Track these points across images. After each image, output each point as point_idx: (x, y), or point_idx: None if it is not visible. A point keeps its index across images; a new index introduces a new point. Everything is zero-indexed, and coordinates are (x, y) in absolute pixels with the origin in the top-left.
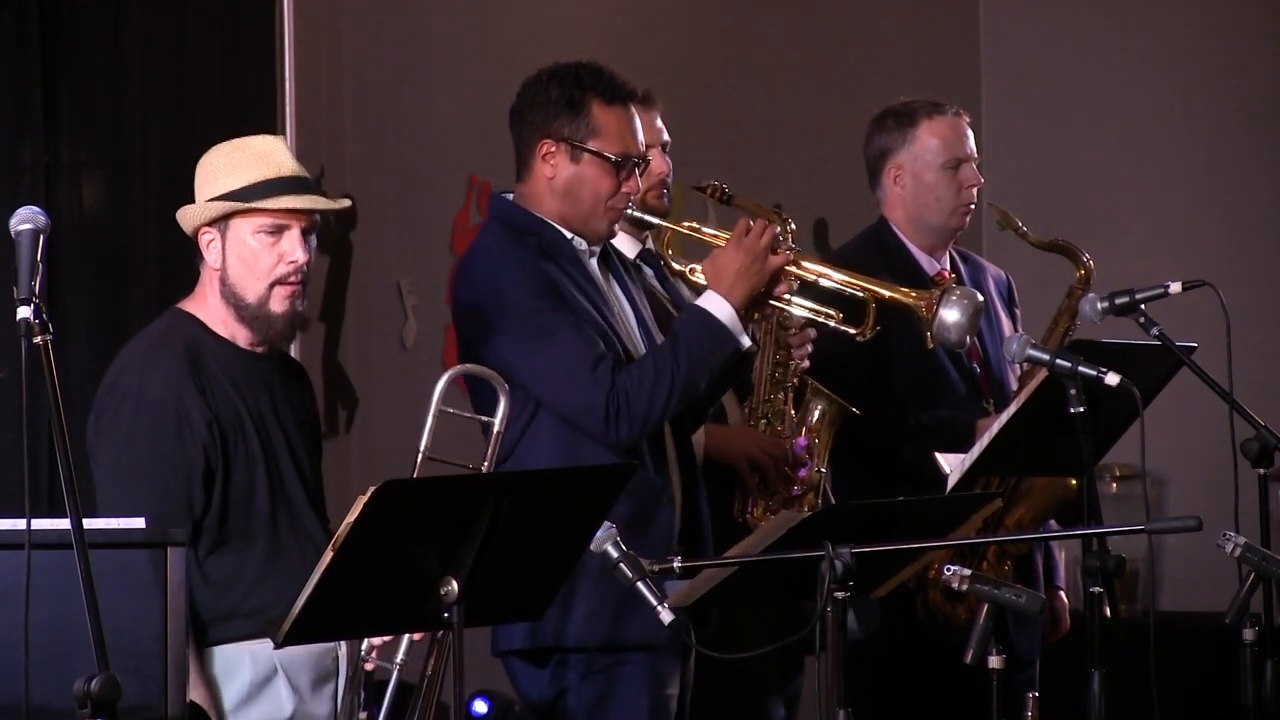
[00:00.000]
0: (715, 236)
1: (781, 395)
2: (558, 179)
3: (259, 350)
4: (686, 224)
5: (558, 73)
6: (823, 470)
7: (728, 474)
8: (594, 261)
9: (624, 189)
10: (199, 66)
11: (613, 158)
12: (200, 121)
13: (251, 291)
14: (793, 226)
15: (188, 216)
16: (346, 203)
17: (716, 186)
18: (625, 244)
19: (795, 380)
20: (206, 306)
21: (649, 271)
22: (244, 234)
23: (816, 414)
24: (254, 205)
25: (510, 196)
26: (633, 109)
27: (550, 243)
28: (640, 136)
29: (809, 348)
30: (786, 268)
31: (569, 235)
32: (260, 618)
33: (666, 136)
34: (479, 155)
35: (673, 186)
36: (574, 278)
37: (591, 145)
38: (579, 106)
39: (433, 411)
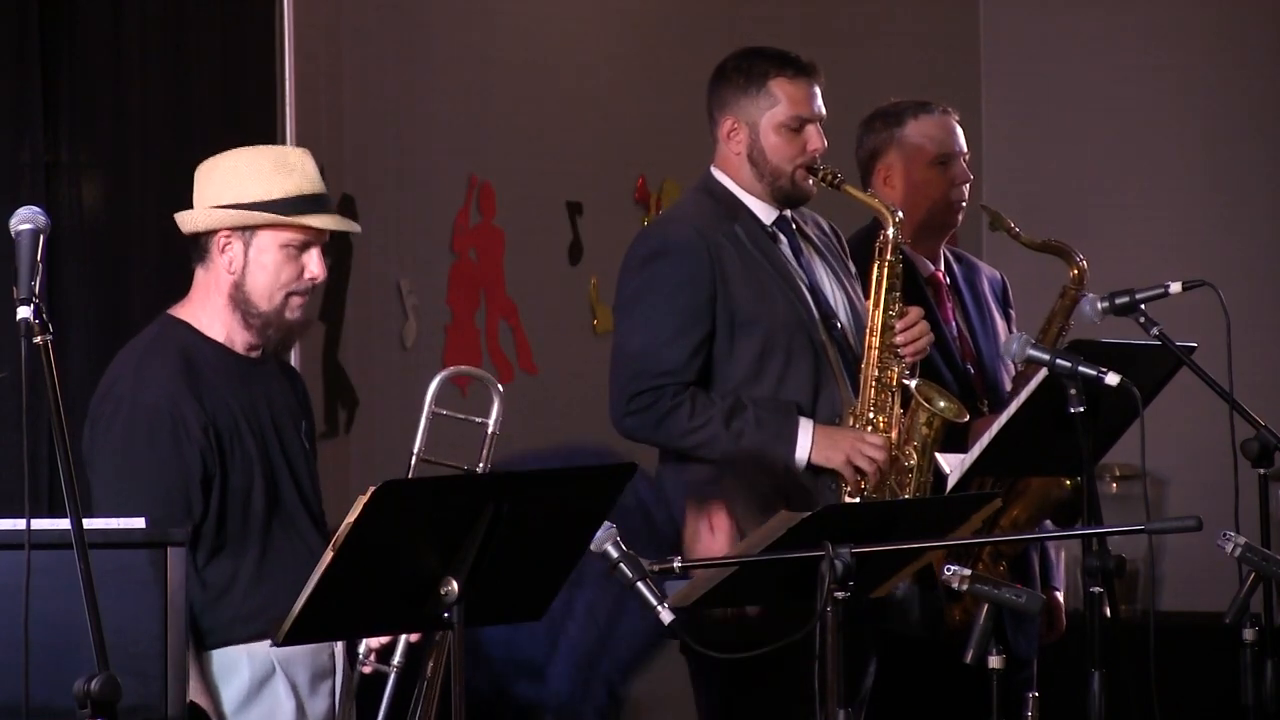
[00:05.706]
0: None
1: (888, 396)
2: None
3: (254, 355)
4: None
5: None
6: (929, 479)
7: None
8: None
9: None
10: (199, 66)
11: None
12: (200, 121)
13: (267, 300)
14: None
15: (212, 218)
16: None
17: (829, 170)
18: (761, 210)
19: (903, 380)
20: (204, 311)
21: (783, 240)
22: (271, 245)
23: (923, 420)
24: (291, 221)
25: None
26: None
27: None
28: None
29: (929, 339)
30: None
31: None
32: (257, 622)
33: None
34: (479, 155)
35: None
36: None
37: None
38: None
39: (426, 413)
